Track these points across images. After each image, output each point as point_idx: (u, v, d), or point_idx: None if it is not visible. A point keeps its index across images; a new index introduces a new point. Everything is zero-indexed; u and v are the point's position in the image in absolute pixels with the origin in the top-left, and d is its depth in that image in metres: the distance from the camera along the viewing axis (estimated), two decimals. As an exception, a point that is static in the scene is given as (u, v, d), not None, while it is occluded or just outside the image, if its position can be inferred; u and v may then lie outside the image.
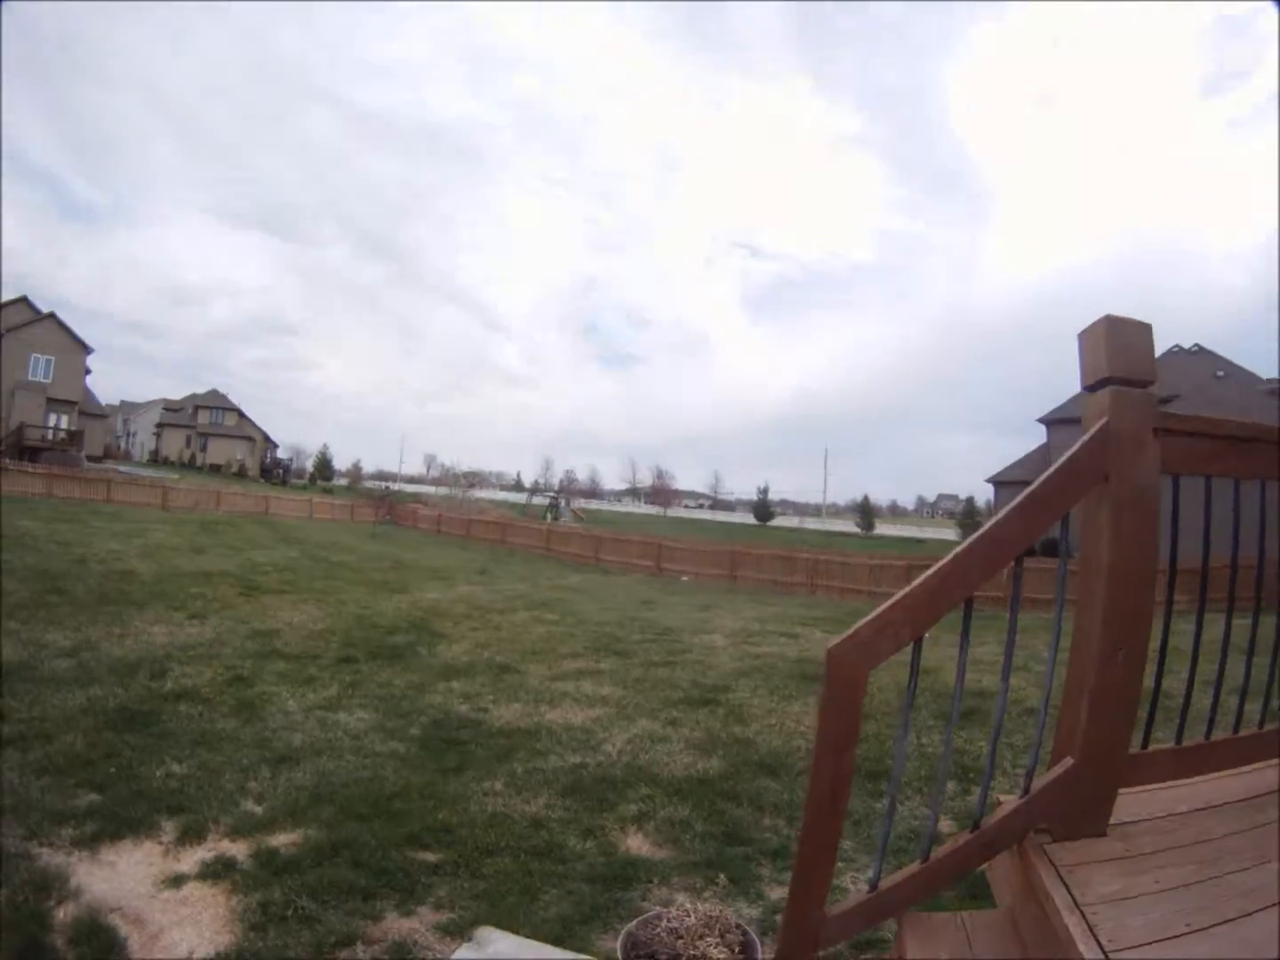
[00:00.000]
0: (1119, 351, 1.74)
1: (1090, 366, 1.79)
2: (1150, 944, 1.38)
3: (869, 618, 1.65)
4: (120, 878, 3.05)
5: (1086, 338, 1.80)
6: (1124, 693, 1.77)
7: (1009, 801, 1.85)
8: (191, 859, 3.25)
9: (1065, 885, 1.59)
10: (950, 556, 1.70)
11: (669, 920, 2.16)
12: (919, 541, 49.83)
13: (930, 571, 1.68)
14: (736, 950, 2.06)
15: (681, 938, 2.08)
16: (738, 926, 2.17)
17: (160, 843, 3.37)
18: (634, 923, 2.24)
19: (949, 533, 57.60)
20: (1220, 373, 28.26)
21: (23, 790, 3.67)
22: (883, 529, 61.53)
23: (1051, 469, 1.74)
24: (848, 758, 1.70)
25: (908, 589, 1.67)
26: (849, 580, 18.31)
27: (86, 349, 41.14)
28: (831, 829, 1.76)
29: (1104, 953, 1.36)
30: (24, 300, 39.44)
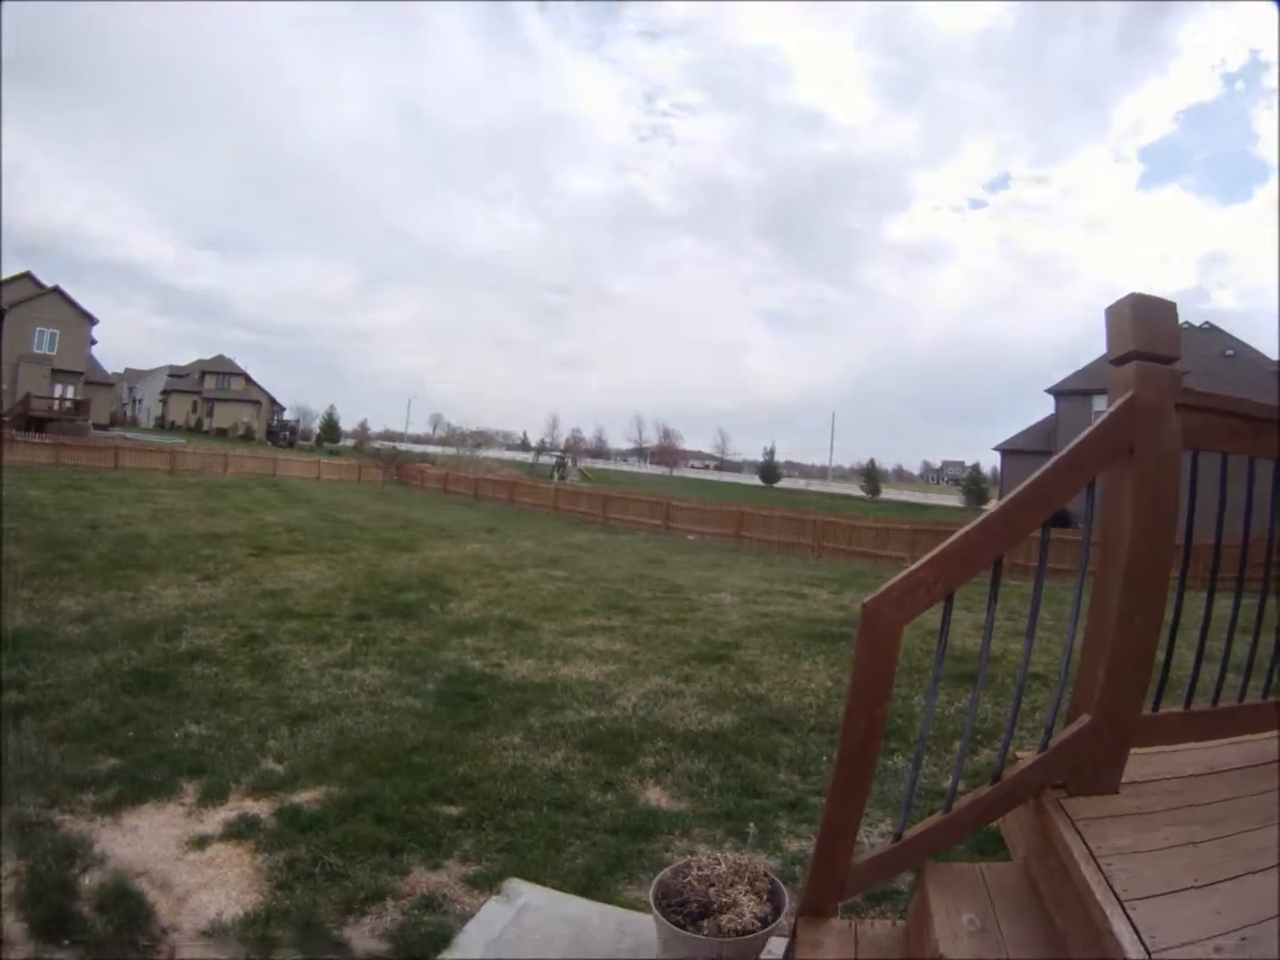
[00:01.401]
0: (1144, 328, 1.78)
1: (1116, 341, 1.83)
2: (1161, 895, 1.44)
3: (902, 574, 1.67)
4: (144, 842, 3.05)
5: (1113, 314, 1.84)
6: (1140, 656, 1.83)
7: (1027, 756, 1.90)
8: (215, 820, 3.25)
9: (1081, 837, 1.64)
10: (982, 518, 1.74)
11: (700, 868, 2.22)
12: (924, 507, 49.71)
13: (962, 531, 1.72)
14: (764, 897, 2.13)
15: (713, 885, 2.14)
16: (765, 875, 2.23)
17: (182, 804, 3.38)
18: (665, 870, 2.28)
19: (954, 499, 57.46)
20: (1229, 351, 27.80)
21: (42, 758, 3.66)
22: (888, 494, 61.39)
23: (1079, 438, 1.78)
24: (880, 711, 1.72)
25: (941, 547, 1.69)
26: (855, 543, 18.25)
27: (91, 320, 40.98)
28: (862, 781, 1.79)
29: (1119, 900, 1.41)
30: (28, 275, 39.25)
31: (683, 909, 2.13)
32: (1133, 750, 1.91)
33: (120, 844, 3.01)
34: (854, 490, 61.46)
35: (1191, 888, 1.47)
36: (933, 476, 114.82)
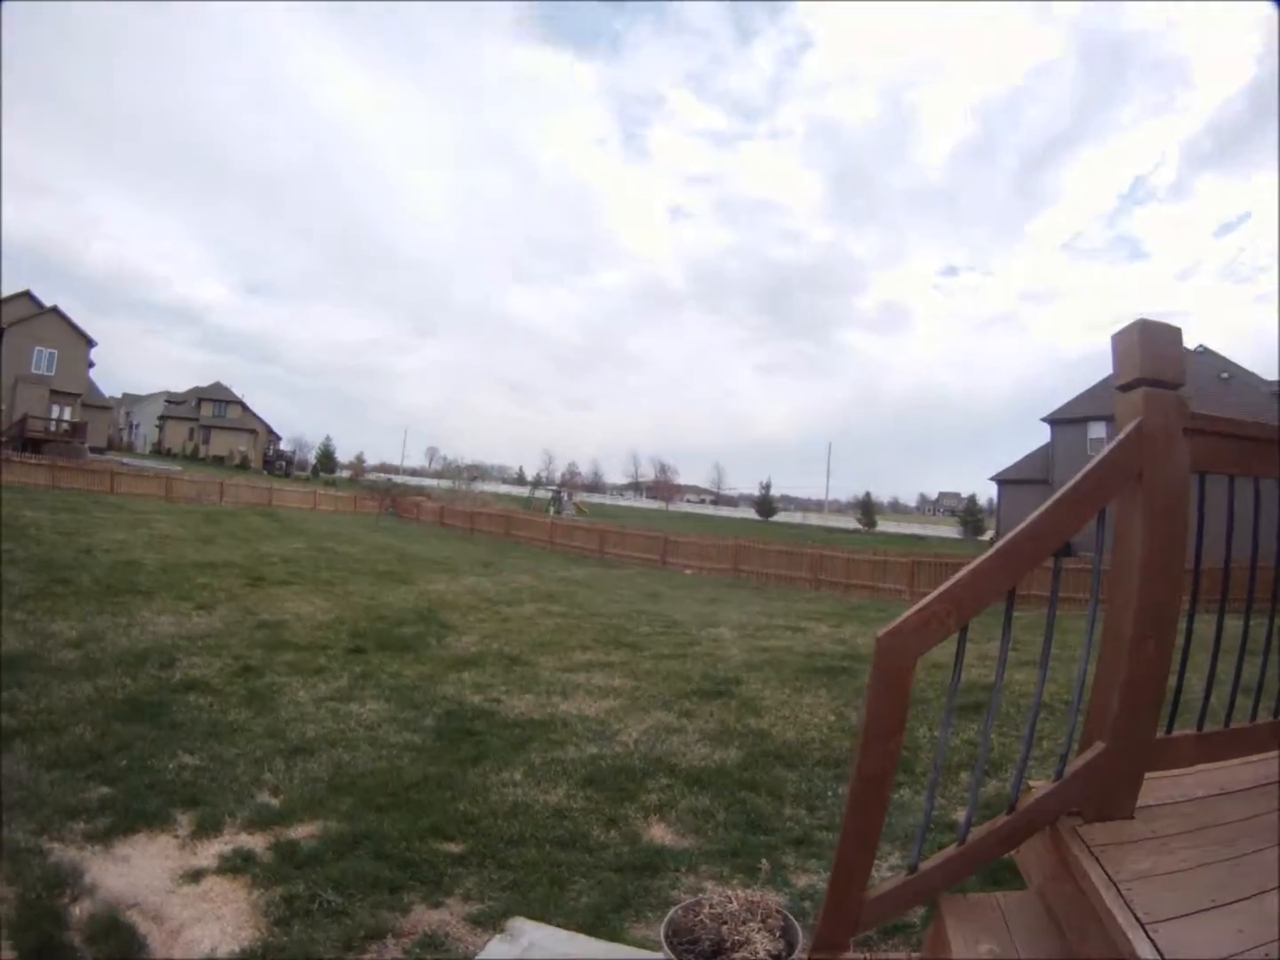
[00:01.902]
0: (1151, 354, 1.80)
1: (1124, 368, 1.84)
2: (1182, 917, 1.46)
3: (916, 608, 1.67)
4: (136, 873, 2.97)
5: (1120, 340, 1.85)
6: (1153, 680, 1.84)
7: (1041, 785, 1.90)
8: (209, 852, 3.18)
9: (1099, 863, 1.65)
10: (994, 550, 1.75)
11: (711, 906, 2.17)
12: (921, 539, 49.73)
13: (975, 563, 1.73)
14: (778, 934, 2.08)
15: (725, 923, 2.09)
16: (778, 911, 2.19)
17: (176, 836, 3.30)
18: (676, 909, 2.24)
19: (951, 530, 57.54)
20: (1225, 374, 28.14)
21: (33, 784, 3.59)
22: (884, 526, 61.46)
23: (1089, 466, 1.79)
24: (894, 744, 1.72)
25: (953, 580, 1.69)
26: (853, 576, 18.18)
27: (89, 342, 41.05)
28: (876, 814, 1.78)
29: (1140, 924, 1.42)
30: (27, 294, 39.32)
31: (694, 948, 2.07)
32: (1146, 775, 1.91)
33: (112, 874, 2.94)
34: (850, 523, 61.48)
35: (1210, 908, 1.49)
36: (929, 508, 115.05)
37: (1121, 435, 1.79)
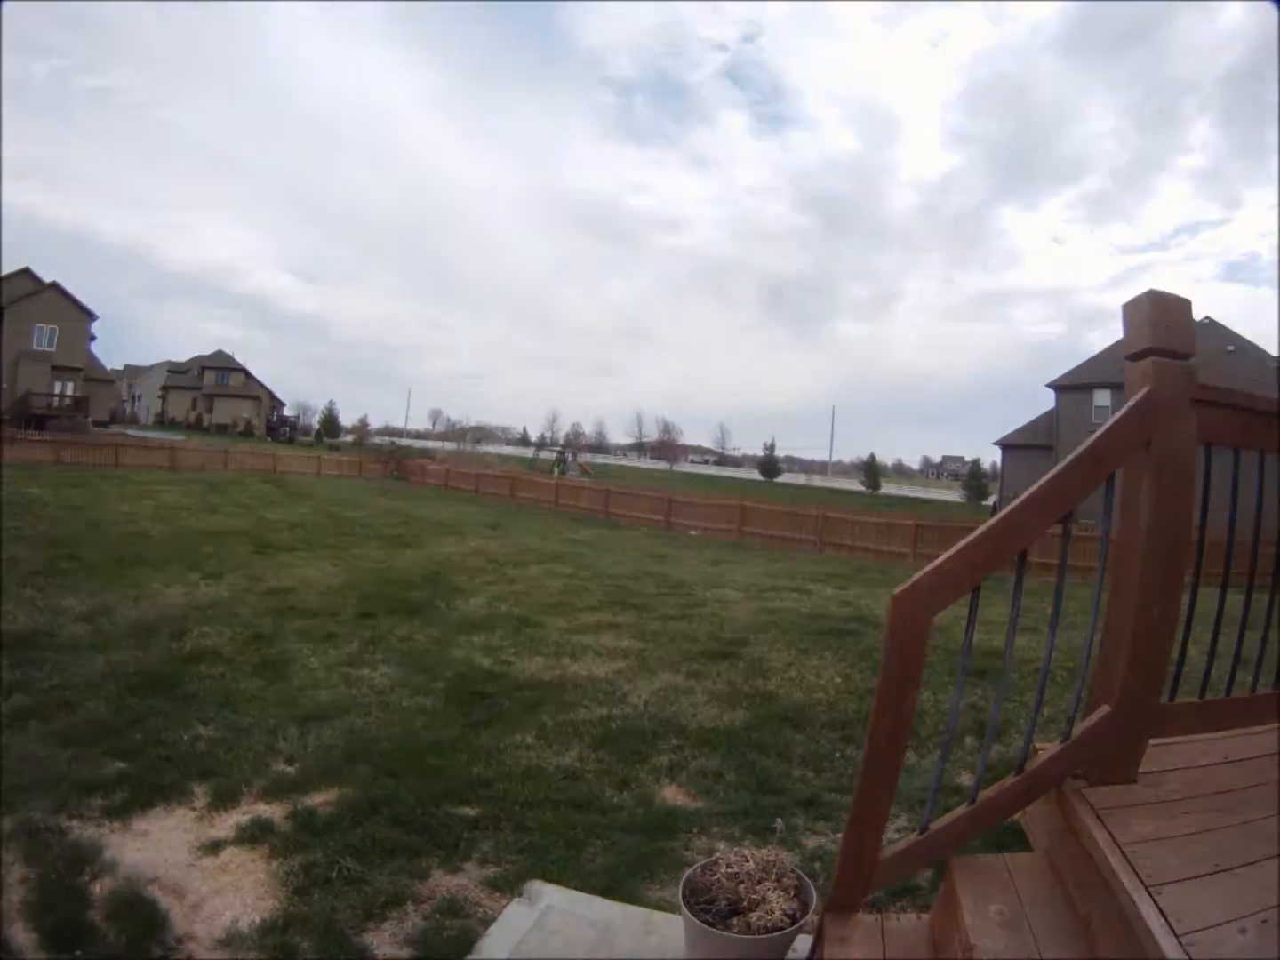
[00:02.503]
0: (1161, 324, 1.80)
1: (1133, 337, 1.85)
2: (1185, 880, 1.48)
3: (930, 567, 1.67)
4: (155, 847, 3.00)
5: (1131, 310, 1.85)
6: (1158, 647, 1.85)
7: (1049, 748, 1.90)
8: (227, 824, 3.21)
9: (1105, 826, 1.67)
10: (1005, 511, 1.75)
11: (728, 865, 2.21)
12: (924, 502, 49.65)
13: (987, 525, 1.74)
14: (792, 894, 2.13)
15: (742, 882, 2.15)
16: (793, 871, 2.24)
17: (193, 809, 3.33)
18: (693, 869, 2.28)
19: (954, 494, 57.40)
20: (1230, 347, 27.81)
21: (49, 761, 3.61)
22: (888, 489, 61.30)
23: (1098, 432, 1.80)
24: (909, 702, 1.73)
25: (965, 541, 1.70)
26: (857, 538, 18.13)
27: (90, 316, 40.73)
28: (890, 773, 1.79)
29: (1145, 886, 1.44)
30: (26, 271, 38.84)
31: (711, 907, 2.12)
32: (1150, 742, 1.93)
33: (130, 849, 2.96)
34: (854, 485, 61.37)
35: (1213, 873, 1.52)
36: (933, 472, 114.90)
37: (1131, 403, 1.79)
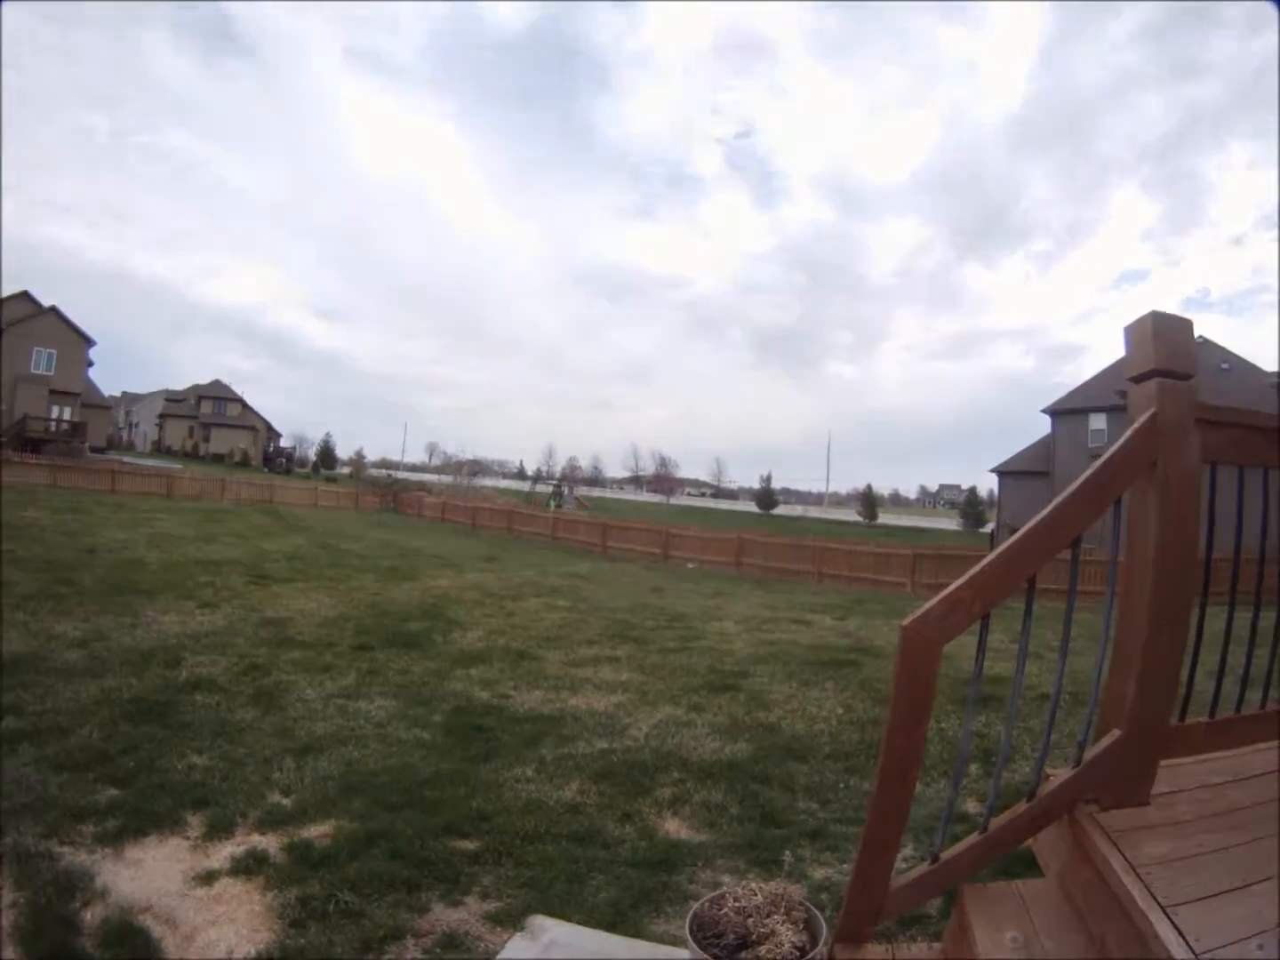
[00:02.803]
0: (1164, 345, 1.82)
1: (1137, 359, 1.87)
2: (1201, 900, 1.49)
3: (940, 596, 1.68)
4: (148, 876, 2.93)
5: (1133, 332, 1.87)
6: (1167, 669, 1.87)
7: (1060, 773, 1.91)
8: (221, 854, 3.13)
9: (1118, 849, 1.68)
10: (1014, 538, 1.76)
11: (735, 899, 2.19)
12: (922, 531, 49.68)
13: (996, 552, 1.75)
14: (801, 926, 2.10)
15: (750, 916, 2.12)
16: (801, 903, 2.21)
17: (187, 838, 3.26)
18: (700, 903, 2.26)
19: (951, 523, 57.52)
20: (1224, 365, 28.14)
21: (40, 786, 3.53)
22: (885, 518, 61.42)
23: (1105, 456, 1.82)
24: (919, 732, 1.75)
25: (976, 569, 1.71)
26: (856, 569, 18.05)
27: (88, 341, 40.90)
28: (901, 803, 1.79)
29: (1161, 907, 1.46)
30: (25, 295, 39.10)
31: (719, 941, 2.09)
32: (1160, 762, 1.95)
33: (123, 878, 2.89)
34: (851, 515, 61.46)
35: (1228, 890, 1.53)
36: (929, 501, 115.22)
37: (1136, 425, 1.81)
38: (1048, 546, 1.78)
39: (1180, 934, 1.37)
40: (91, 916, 2.60)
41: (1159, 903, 1.46)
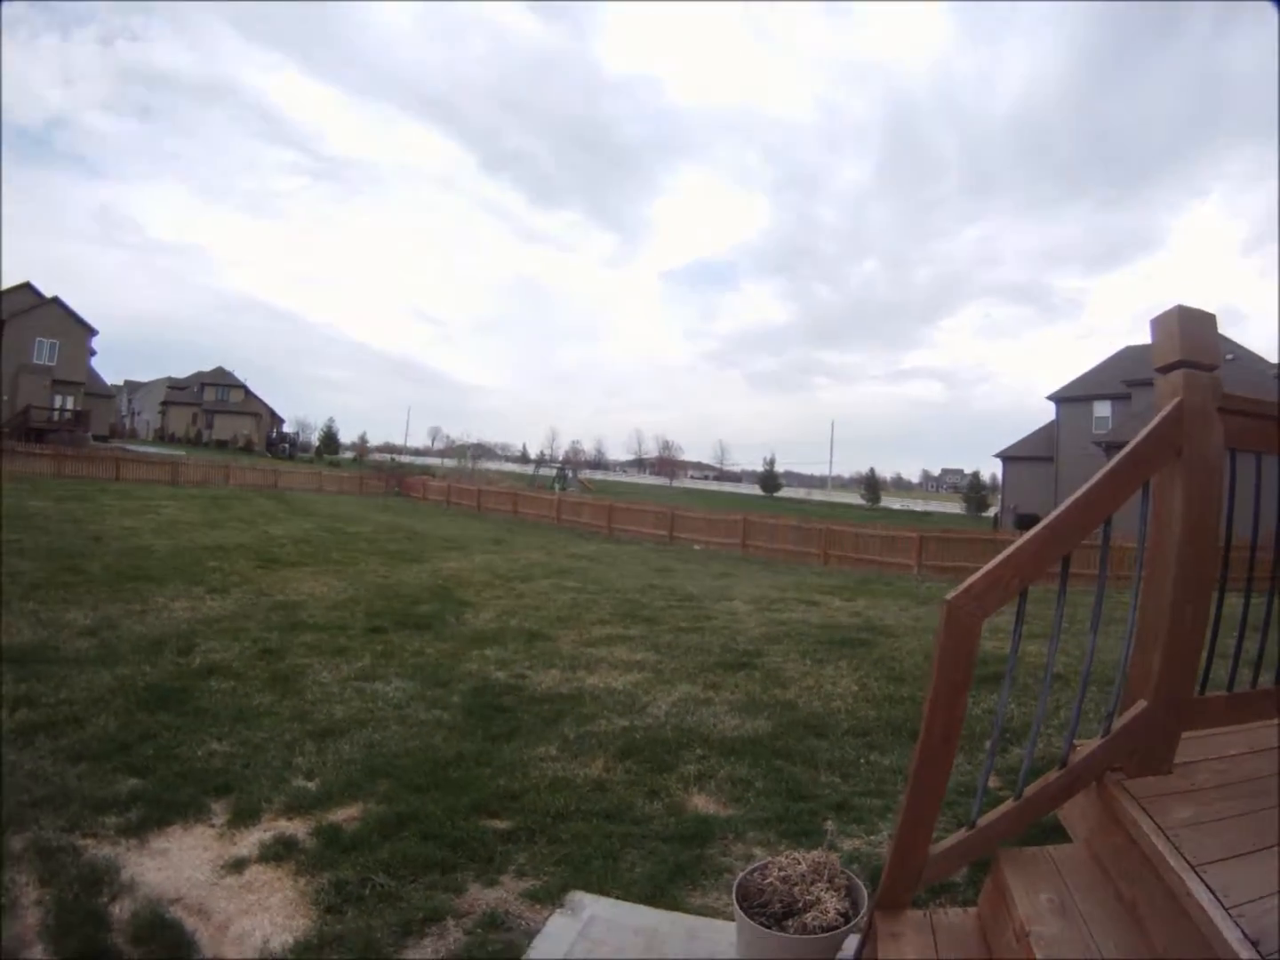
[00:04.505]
0: (1189, 338, 1.91)
1: (1163, 350, 1.95)
2: (1227, 859, 1.57)
3: (981, 572, 1.74)
4: (175, 866, 2.88)
5: (1159, 325, 1.94)
6: (1190, 643, 1.95)
7: (1089, 743, 1.99)
8: (248, 841, 3.09)
9: (1147, 813, 1.76)
10: (1049, 520, 1.84)
11: (780, 869, 2.26)
12: (924, 514, 49.62)
13: (1032, 532, 1.82)
14: (843, 893, 2.20)
15: (795, 884, 2.20)
16: (843, 871, 2.30)
17: (212, 826, 3.22)
18: (745, 872, 2.31)
19: (954, 507, 57.45)
20: (1230, 356, 27.96)
21: (59, 779, 3.48)
22: (887, 502, 61.31)
23: (1133, 441, 1.90)
24: (961, 703, 1.80)
25: (1013, 547, 1.79)
26: (862, 550, 18.00)
27: (91, 331, 40.66)
28: (941, 771, 1.84)
29: (1191, 866, 1.53)
30: (27, 286, 38.80)
31: (764, 910, 2.15)
32: (1182, 734, 2.04)
33: (150, 869, 2.84)
34: (854, 499, 61.35)
35: (1252, 851, 1.62)
36: (932, 484, 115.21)
37: (1163, 413, 1.90)
38: (1081, 526, 1.85)
39: (1211, 890, 1.45)
40: (120, 911, 2.54)
41: (1189, 862, 1.54)
